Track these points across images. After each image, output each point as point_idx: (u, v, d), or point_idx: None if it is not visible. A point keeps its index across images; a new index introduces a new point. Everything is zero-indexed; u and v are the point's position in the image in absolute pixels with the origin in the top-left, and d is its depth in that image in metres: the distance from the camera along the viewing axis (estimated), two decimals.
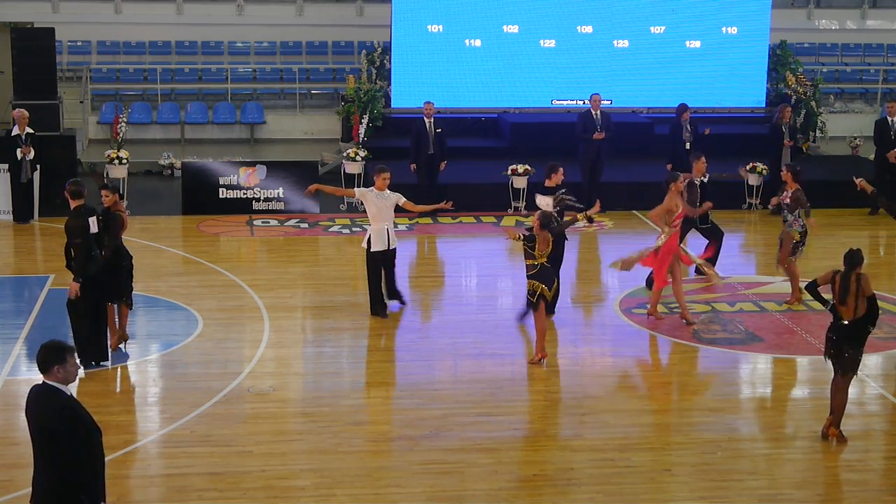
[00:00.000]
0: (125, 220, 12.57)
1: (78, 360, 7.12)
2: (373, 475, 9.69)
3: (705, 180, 15.23)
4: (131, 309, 12.74)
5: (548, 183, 13.90)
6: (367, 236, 13.65)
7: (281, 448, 10.17)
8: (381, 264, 13.64)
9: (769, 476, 9.87)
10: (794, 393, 12.02)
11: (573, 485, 9.59)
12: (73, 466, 6.86)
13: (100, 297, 11.99)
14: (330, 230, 18.45)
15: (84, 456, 6.89)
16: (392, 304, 13.93)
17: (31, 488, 7.18)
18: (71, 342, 7.26)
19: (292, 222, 18.91)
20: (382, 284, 13.79)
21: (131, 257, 12.66)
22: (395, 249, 13.70)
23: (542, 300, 12.12)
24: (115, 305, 12.58)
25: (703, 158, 15.21)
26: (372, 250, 13.54)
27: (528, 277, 12.19)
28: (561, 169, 13.99)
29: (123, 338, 12.64)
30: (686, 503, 9.38)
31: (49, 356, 6.98)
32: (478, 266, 16.88)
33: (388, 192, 13.62)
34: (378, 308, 13.76)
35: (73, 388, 7.23)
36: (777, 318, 14.09)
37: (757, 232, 19.20)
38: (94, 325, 11.99)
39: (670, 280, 13.77)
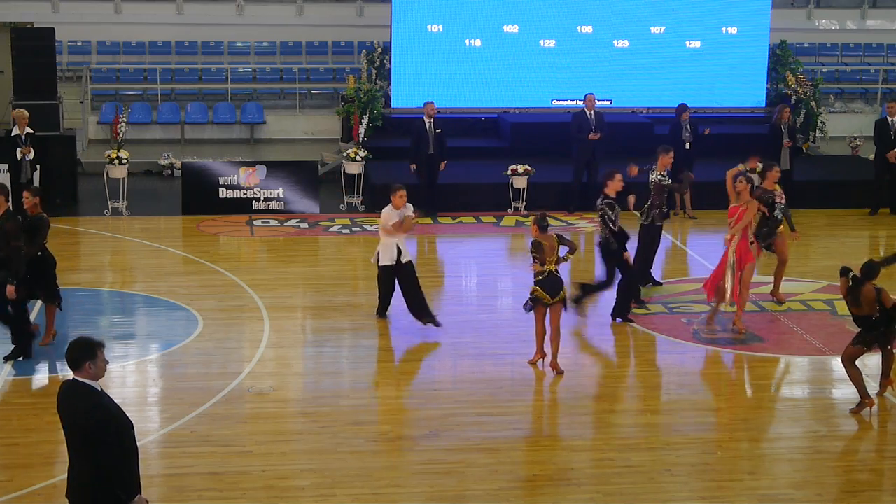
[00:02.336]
0: (49, 222, 12.73)
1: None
2: (373, 475, 9.69)
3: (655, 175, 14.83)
4: (60, 309, 12.78)
5: (606, 190, 13.50)
6: (376, 251, 13.43)
7: (281, 448, 10.17)
8: (393, 278, 13.41)
9: (769, 476, 9.87)
10: (794, 393, 12.02)
11: (573, 485, 9.59)
12: (107, 462, 6.89)
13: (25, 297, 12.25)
14: (330, 230, 18.45)
15: (117, 451, 6.92)
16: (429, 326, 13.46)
17: (66, 482, 7.22)
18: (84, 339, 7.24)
19: (292, 222, 18.91)
20: (405, 303, 13.53)
21: (55, 261, 12.72)
22: (409, 263, 13.35)
23: (539, 304, 12.02)
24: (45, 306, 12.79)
25: (672, 153, 14.84)
26: (381, 265, 13.36)
27: (535, 283, 12.06)
28: (618, 175, 13.55)
29: (54, 335, 12.71)
30: (686, 503, 9.38)
31: (80, 352, 6.98)
32: (478, 266, 16.87)
33: (407, 206, 13.28)
34: (382, 312, 13.72)
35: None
36: (777, 318, 14.08)
37: None
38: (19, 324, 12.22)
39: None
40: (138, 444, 7.19)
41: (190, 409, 10.94)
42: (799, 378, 12.46)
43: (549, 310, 11.96)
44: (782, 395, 11.96)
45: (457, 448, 10.22)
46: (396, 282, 13.45)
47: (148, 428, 10.54)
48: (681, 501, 9.40)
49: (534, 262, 11.97)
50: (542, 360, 12.22)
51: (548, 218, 12.24)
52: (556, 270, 11.97)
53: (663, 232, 14.90)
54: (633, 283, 13.95)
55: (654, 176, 14.49)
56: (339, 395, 11.53)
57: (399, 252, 13.26)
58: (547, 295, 11.90)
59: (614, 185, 13.49)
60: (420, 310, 13.40)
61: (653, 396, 11.67)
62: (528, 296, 12.07)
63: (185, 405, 11.04)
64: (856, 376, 11.05)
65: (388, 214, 13.26)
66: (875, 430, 10.95)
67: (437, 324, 13.34)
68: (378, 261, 13.37)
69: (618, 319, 13.77)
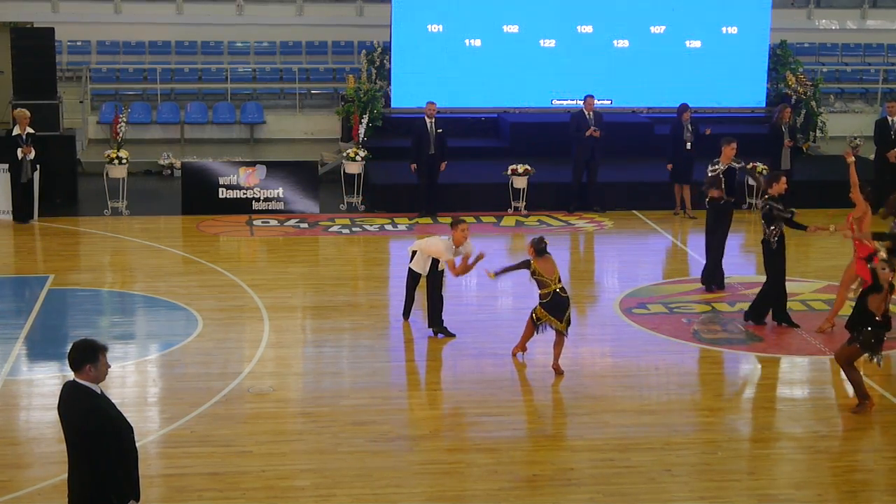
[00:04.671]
0: None
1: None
2: (373, 475, 9.69)
3: (737, 167, 15.18)
4: None
5: (770, 191, 13.56)
6: (412, 250, 13.37)
7: (281, 448, 10.17)
8: (417, 282, 13.39)
9: (769, 476, 9.87)
10: (794, 393, 12.02)
11: (573, 485, 9.59)
12: (104, 465, 6.90)
13: None
14: (330, 230, 18.44)
15: (114, 455, 6.92)
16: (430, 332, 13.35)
17: (66, 482, 7.25)
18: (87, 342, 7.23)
19: (292, 222, 18.91)
20: (424, 307, 13.49)
21: None
22: (442, 272, 13.27)
23: (541, 323, 12.02)
24: None
25: (734, 144, 15.18)
26: (412, 267, 13.32)
27: (540, 305, 12.03)
28: (784, 177, 13.71)
29: None
30: (686, 503, 9.38)
31: (82, 355, 6.98)
32: (478, 266, 16.83)
33: (468, 244, 13.12)
34: (407, 313, 13.68)
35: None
36: None
37: (757, 232, 19.12)
38: None
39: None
40: (138, 444, 7.19)
41: (190, 409, 10.94)
42: (799, 378, 12.46)
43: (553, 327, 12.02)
44: (782, 395, 11.95)
45: (457, 448, 10.22)
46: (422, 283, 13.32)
47: (148, 428, 10.54)
48: (681, 501, 9.40)
49: (540, 285, 11.96)
50: (522, 353, 12.32)
51: (546, 242, 12.08)
52: (562, 290, 11.96)
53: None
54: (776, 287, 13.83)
55: (718, 167, 14.87)
56: (339, 395, 11.52)
57: (435, 263, 13.15)
58: (553, 319, 11.90)
59: (779, 188, 13.55)
60: (433, 316, 13.28)
61: (653, 396, 11.66)
62: (532, 314, 12.05)
63: (185, 405, 11.04)
64: (855, 378, 11.03)
65: (441, 249, 12.98)
66: (875, 431, 10.95)
67: (449, 334, 13.25)
68: (411, 259, 13.30)
69: (749, 321, 13.74)
